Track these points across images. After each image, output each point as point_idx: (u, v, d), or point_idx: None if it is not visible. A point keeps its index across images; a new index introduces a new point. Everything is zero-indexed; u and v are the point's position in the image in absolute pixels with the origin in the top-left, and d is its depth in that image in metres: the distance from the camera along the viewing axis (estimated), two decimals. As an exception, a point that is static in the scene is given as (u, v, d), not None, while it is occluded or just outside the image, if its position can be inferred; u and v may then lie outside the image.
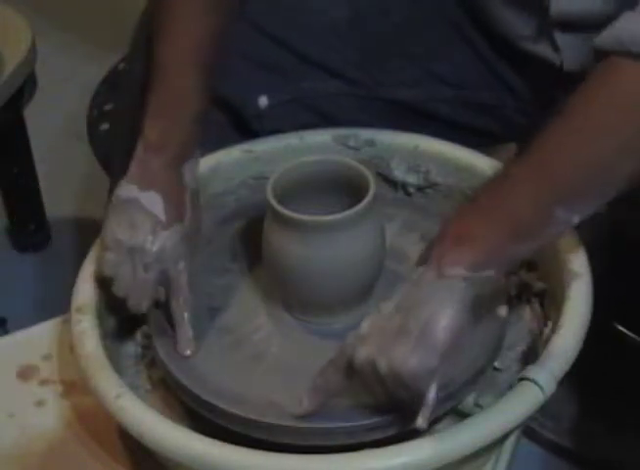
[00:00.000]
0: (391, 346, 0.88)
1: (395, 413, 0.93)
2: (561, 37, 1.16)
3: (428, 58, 1.25)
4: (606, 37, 0.93)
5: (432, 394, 0.88)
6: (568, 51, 1.17)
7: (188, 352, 1.01)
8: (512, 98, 1.26)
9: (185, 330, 1.02)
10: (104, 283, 1.05)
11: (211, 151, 1.19)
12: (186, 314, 1.03)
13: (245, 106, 1.23)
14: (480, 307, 0.94)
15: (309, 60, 1.23)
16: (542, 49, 1.18)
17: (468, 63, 1.25)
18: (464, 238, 0.91)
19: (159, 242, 1.02)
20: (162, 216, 1.03)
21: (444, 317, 0.88)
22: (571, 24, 1.14)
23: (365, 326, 0.90)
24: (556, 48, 1.17)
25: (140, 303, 1.03)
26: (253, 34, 1.22)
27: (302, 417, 0.93)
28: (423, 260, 0.93)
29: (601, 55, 0.94)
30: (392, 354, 0.87)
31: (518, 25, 1.19)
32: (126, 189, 1.04)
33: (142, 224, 1.02)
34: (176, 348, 1.02)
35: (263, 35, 1.22)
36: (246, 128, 1.24)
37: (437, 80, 1.25)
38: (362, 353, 0.89)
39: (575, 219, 0.93)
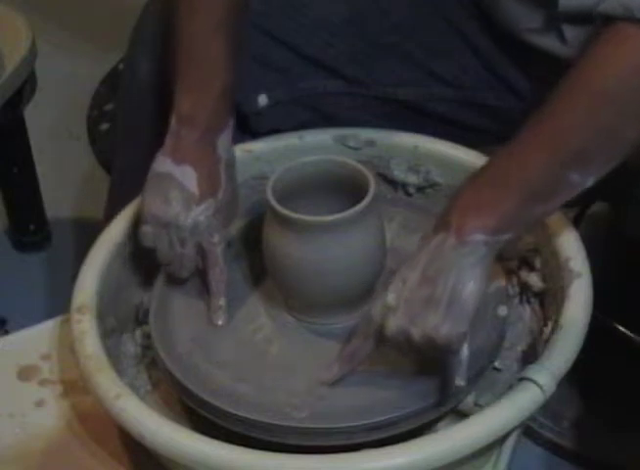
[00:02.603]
0: (423, 315, 0.91)
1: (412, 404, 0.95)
2: (569, 29, 1.16)
3: (427, 58, 1.25)
4: (610, 3, 0.94)
5: (464, 353, 0.94)
6: (575, 43, 1.17)
7: (220, 323, 1.04)
8: (515, 99, 1.26)
9: (219, 301, 1.05)
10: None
11: None
12: (221, 285, 1.05)
13: (244, 104, 1.23)
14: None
15: (309, 59, 1.23)
16: (549, 42, 1.18)
17: (467, 63, 1.25)
18: (482, 205, 0.93)
19: (192, 217, 1.04)
20: (196, 191, 1.05)
21: (470, 283, 0.92)
22: (579, 17, 1.14)
23: (392, 297, 0.93)
24: (563, 40, 1.17)
25: (180, 272, 1.06)
26: (253, 33, 1.22)
27: (333, 383, 0.96)
28: (439, 229, 0.94)
29: (604, 21, 0.95)
30: (425, 324, 0.91)
31: (525, 18, 1.18)
32: (161, 163, 1.06)
33: (175, 200, 1.04)
34: (210, 318, 1.04)
35: (263, 35, 1.22)
36: (246, 126, 1.24)
37: (437, 80, 1.25)
38: (394, 324, 0.92)
39: (589, 181, 0.95)
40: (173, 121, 1.07)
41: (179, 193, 1.04)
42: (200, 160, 1.06)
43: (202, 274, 1.07)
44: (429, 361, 0.95)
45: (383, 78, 1.25)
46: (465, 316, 0.91)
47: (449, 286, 0.91)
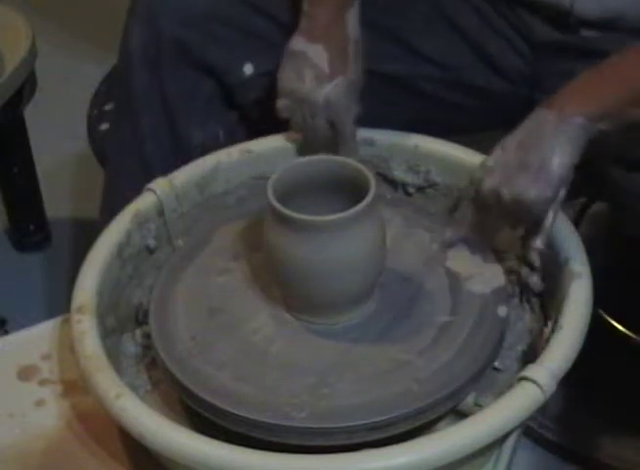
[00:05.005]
0: (514, 177, 1.00)
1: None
2: None
3: (413, 38, 1.27)
4: None
5: (549, 220, 1.03)
6: None
7: None
8: (503, 81, 1.27)
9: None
10: None
11: (200, 122, 1.24)
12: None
13: (229, 74, 1.25)
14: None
15: (294, 32, 1.23)
16: None
17: (453, 45, 1.27)
18: (587, 94, 1.02)
19: (324, 94, 1.11)
20: (327, 69, 1.12)
21: (560, 155, 1.00)
22: None
23: (491, 160, 1.03)
24: None
25: (312, 142, 1.15)
26: (241, 5, 1.23)
27: (445, 246, 1.08)
28: (542, 106, 1.02)
29: None
30: (514, 185, 1.00)
31: None
32: (296, 41, 1.13)
33: (309, 77, 1.12)
34: None
35: (248, 6, 1.24)
36: (231, 101, 1.27)
37: (423, 59, 1.28)
38: (488, 184, 1.02)
39: None
40: (306, 6, 1.15)
41: (311, 70, 1.12)
42: (331, 39, 1.13)
43: (331, 148, 1.14)
44: (515, 223, 1.04)
45: (366, 52, 1.25)
46: (551, 183, 0.99)
47: (541, 154, 0.99)
